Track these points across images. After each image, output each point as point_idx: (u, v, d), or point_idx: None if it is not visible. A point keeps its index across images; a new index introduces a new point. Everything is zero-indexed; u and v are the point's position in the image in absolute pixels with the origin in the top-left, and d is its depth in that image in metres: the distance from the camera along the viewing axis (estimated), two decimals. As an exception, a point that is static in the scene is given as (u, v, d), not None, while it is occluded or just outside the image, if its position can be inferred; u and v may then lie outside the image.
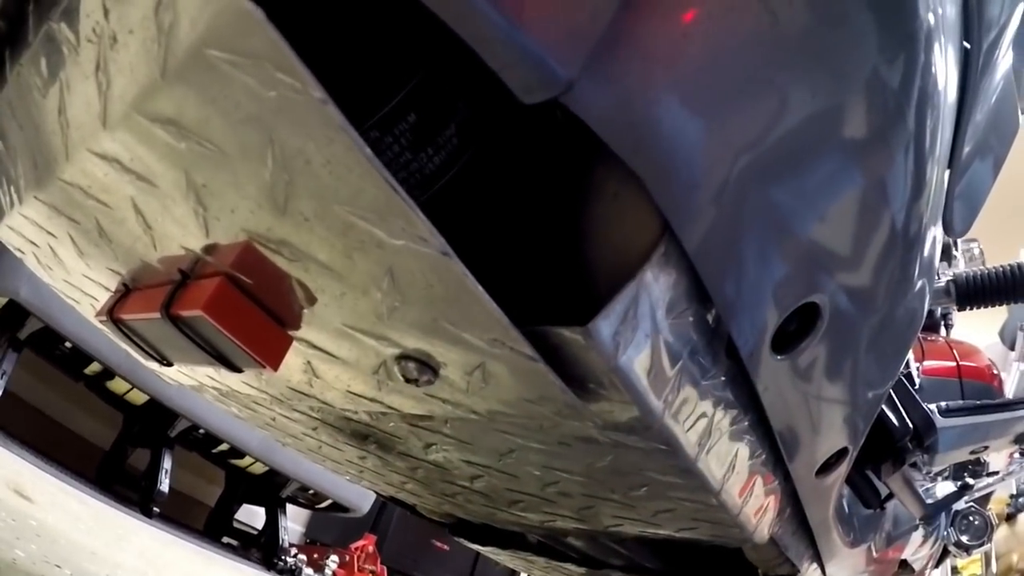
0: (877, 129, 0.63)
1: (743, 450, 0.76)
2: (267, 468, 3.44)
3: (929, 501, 1.53)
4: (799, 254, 0.63)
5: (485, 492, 0.98)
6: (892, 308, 0.78)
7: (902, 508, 1.48)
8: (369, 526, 4.67)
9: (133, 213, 0.59)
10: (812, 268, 0.64)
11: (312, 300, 0.57)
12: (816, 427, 0.81)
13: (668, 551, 1.36)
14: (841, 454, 0.91)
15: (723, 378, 0.66)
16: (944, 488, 1.78)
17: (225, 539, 3.73)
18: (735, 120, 0.53)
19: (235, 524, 3.84)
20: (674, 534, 0.95)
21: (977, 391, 1.98)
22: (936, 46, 0.67)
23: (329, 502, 3.86)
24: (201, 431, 3.13)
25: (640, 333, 0.54)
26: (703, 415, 0.66)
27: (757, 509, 0.86)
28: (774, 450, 0.80)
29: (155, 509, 2.99)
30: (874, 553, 1.47)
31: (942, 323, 2.30)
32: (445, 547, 5.13)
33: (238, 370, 0.60)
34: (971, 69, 0.82)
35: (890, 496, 1.28)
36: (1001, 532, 4.30)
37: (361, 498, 3.83)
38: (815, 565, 1.25)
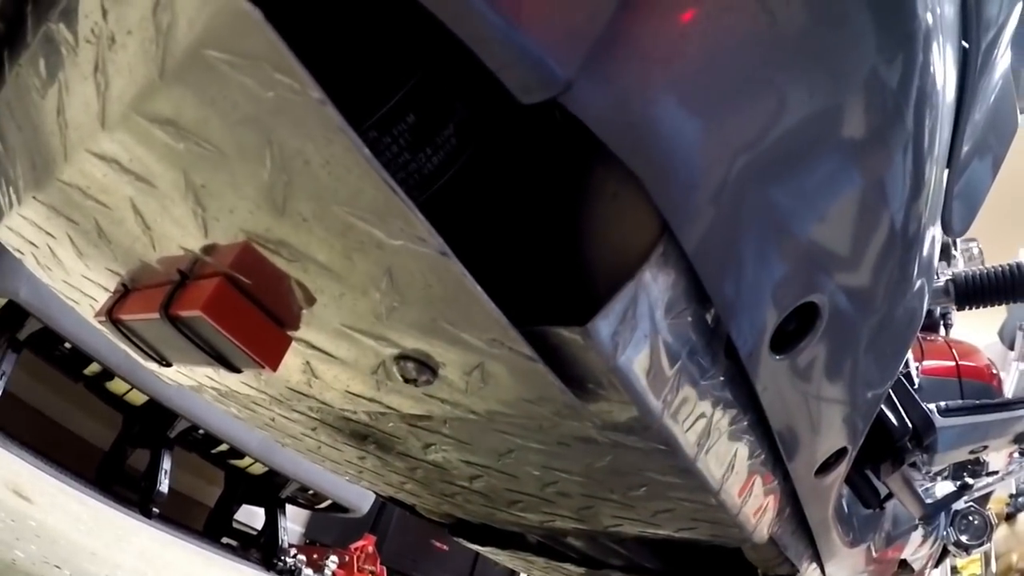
0: (876, 129, 0.63)
1: (742, 450, 0.76)
2: (267, 468, 3.44)
3: (928, 501, 1.53)
4: (798, 254, 0.63)
5: (484, 492, 0.98)
6: (891, 308, 0.78)
7: (901, 508, 1.48)
8: (369, 526, 4.67)
9: (132, 214, 0.59)
10: (811, 268, 0.64)
11: (311, 300, 0.57)
12: (815, 427, 0.81)
13: (668, 551, 1.36)
14: (840, 454, 0.91)
15: (722, 378, 0.66)
16: (943, 488, 1.78)
17: (225, 539, 3.73)
18: (733, 120, 0.53)
19: (235, 524, 3.84)
20: (673, 534, 0.95)
21: (976, 391, 1.98)
22: (935, 46, 0.67)
23: (328, 502, 3.86)
24: (201, 431, 3.12)
25: (639, 333, 0.54)
26: (702, 415, 0.66)
27: (756, 509, 0.86)
28: (773, 450, 0.80)
29: (155, 510, 2.99)
30: (874, 553, 1.47)
31: (941, 323, 2.30)
32: (444, 547, 5.12)
33: (237, 370, 0.60)
34: (970, 69, 0.83)
35: (889, 496, 1.28)
36: (1001, 532, 4.30)
37: (361, 498, 3.83)
38: (814, 565, 1.25)
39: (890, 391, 1.15)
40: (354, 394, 0.73)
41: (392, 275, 0.50)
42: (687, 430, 0.65)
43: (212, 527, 3.72)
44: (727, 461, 0.74)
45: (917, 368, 1.65)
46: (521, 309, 0.53)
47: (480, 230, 0.60)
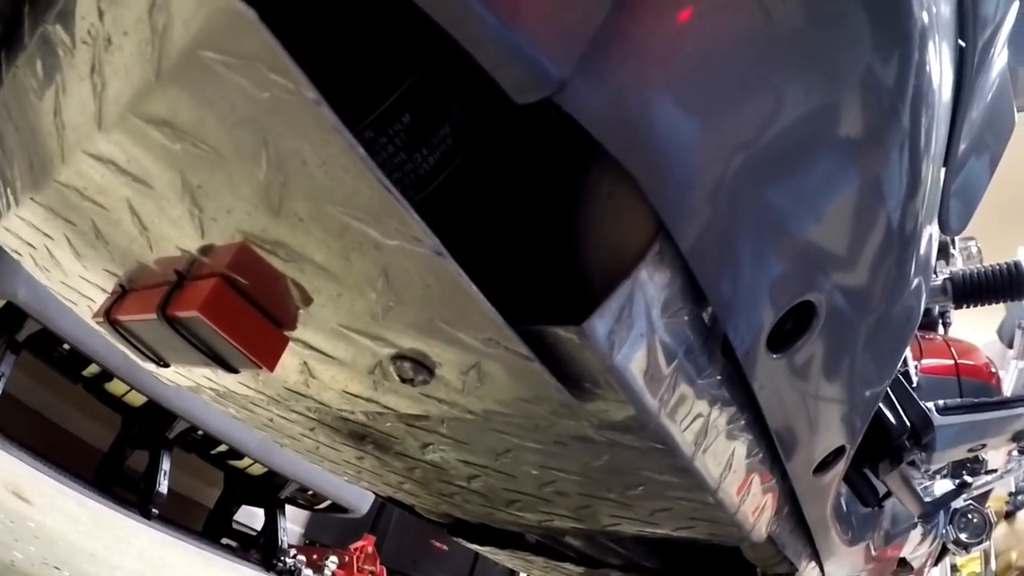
0: (872, 127, 0.64)
1: (740, 449, 0.76)
2: (266, 469, 3.44)
3: (927, 499, 1.53)
4: (794, 253, 0.63)
5: (482, 492, 0.98)
6: (888, 306, 0.78)
7: (900, 506, 1.48)
8: (368, 527, 4.67)
9: (129, 215, 0.59)
10: (807, 266, 0.65)
11: (308, 301, 0.57)
12: (813, 425, 0.81)
13: (666, 550, 1.36)
14: (838, 452, 0.91)
15: (719, 377, 0.67)
16: (942, 486, 1.79)
17: (224, 540, 3.73)
18: (729, 119, 0.53)
19: (234, 525, 3.84)
20: (672, 533, 0.95)
21: (975, 389, 1.98)
22: (931, 44, 0.67)
23: (328, 503, 3.86)
24: (200, 432, 3.12)
25: (635, 332, 0.54)
26: (699, 414, 0.66)
27: (754, 508, 0.86)
28: (771, 449, 0.80)
29: (154, 511, 2.99)
30: (873, 551, 1.48)
31: (940, 321, 2.30)
32: (444, 547, 5.12)
33: (234, 371, 0.60)
34: (966, 67, 0.83)
35: (888, 494, 1.29)
36: (1000, 530, 4.31)
37: (360, 499, 3.83)
38: (813, 563, 1.25)
39: (888, 390, 1.15)
40: (351, 394, 0.73)
41: (388, 275, 0.50)
42: (684, 429, 0.65)
43: (211, 528, 3.72)
44: (725, 460, 0.75)
45: (916, 367, 1.65)
46: (517, 308, 0.53)
47: (476, 229, 0.60)
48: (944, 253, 1.99)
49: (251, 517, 4.00)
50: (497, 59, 0.42)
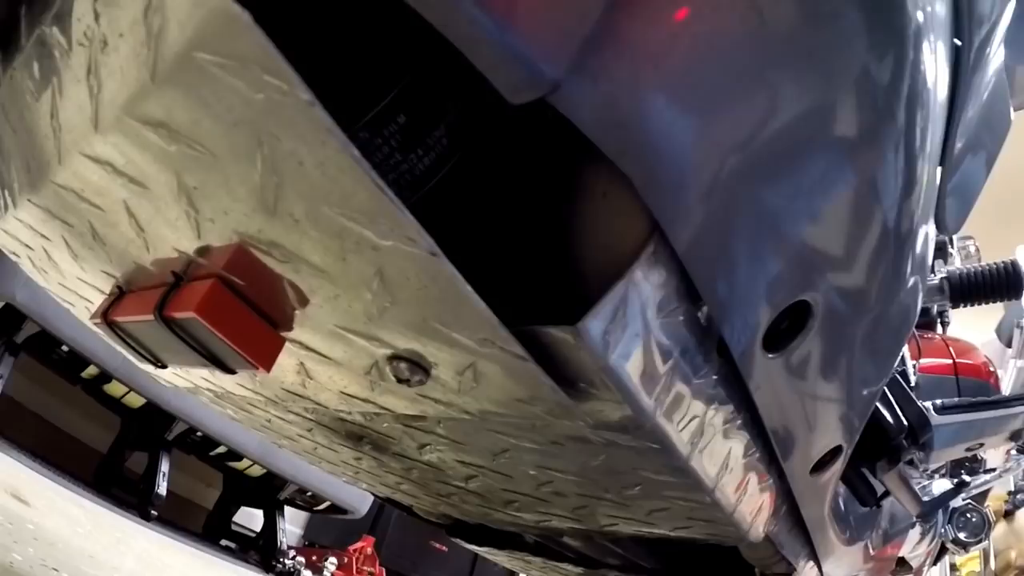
0: (867, 127, 0.64)
1: (737, 448, 0.76)
2: (265, 470, 3.44)
3: (926, 498, 1.53)
4: (790, 252, 0.63)
5: (480, 492, 0.98)
6: (885, 305, 0.78)
7: (899, 506, 1.48)
8: (367, 528, 4.67)
9: (126, 216, 0.59)
10: (803, 266, 0.65)
11: (304, 301, 0.57)
12: (810, 425, 0.81)
13: (664, 550, 1.37)
14: (836, 452, 0.91)
15: (715, 377, 0.67)
16: (941, 485, 1.78)
17: (223, 542, 3.73)
18: (723, 119, 0.53)
19: (233, 527, 3.84)
20: (669, 533, 0.95)
21: (973, 388, 1.98)
22: (926, 43, 0.68)
23: (327, 504, 3.86)
24: (199, 434, 3.13)
25: (630, 332, 0.54)
26: (695, 414, 0.66)
27: (752, 507, 0.86)
28: (768, 448, 0.80)
29: (153, 512, 2.99)
30: (871, 551, 1.48)
31: (938, 320, 2.31)
32: (443, 548, 5.12)
33: (231, 372, 0.60)
34: (962, 66, 0.83)
35: (886, 494, 1.29)
36: (999, 529, 4.31)
37: (359, 500, 3.83)
38: (812, 563, 1.25)
39: (886, 389, 1.15)
40: (348, 395, 0.73)
41: (383, 276, 0.50)
42: (680, 429, 0.65)
43: (211, 529, 3.72)
44: (721, 460, 0.75)
45: (914, 366, 1.65)
46: (513, 309, 0.53)
47: (472, 230, 0.60)
48: (942, 252, 2.00)
49: (250, 518, 4.00)
50: (491, 60, 0.42)
